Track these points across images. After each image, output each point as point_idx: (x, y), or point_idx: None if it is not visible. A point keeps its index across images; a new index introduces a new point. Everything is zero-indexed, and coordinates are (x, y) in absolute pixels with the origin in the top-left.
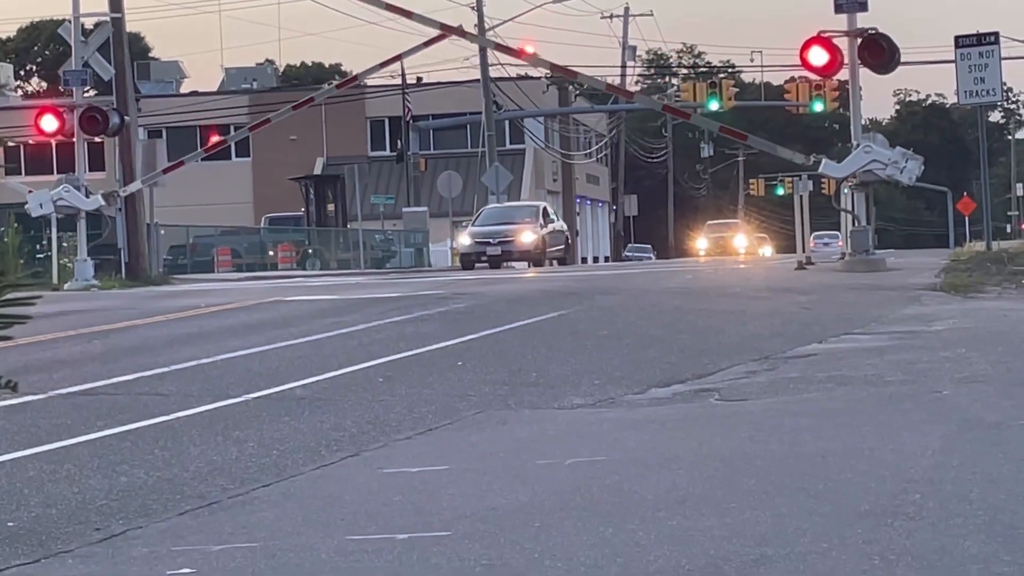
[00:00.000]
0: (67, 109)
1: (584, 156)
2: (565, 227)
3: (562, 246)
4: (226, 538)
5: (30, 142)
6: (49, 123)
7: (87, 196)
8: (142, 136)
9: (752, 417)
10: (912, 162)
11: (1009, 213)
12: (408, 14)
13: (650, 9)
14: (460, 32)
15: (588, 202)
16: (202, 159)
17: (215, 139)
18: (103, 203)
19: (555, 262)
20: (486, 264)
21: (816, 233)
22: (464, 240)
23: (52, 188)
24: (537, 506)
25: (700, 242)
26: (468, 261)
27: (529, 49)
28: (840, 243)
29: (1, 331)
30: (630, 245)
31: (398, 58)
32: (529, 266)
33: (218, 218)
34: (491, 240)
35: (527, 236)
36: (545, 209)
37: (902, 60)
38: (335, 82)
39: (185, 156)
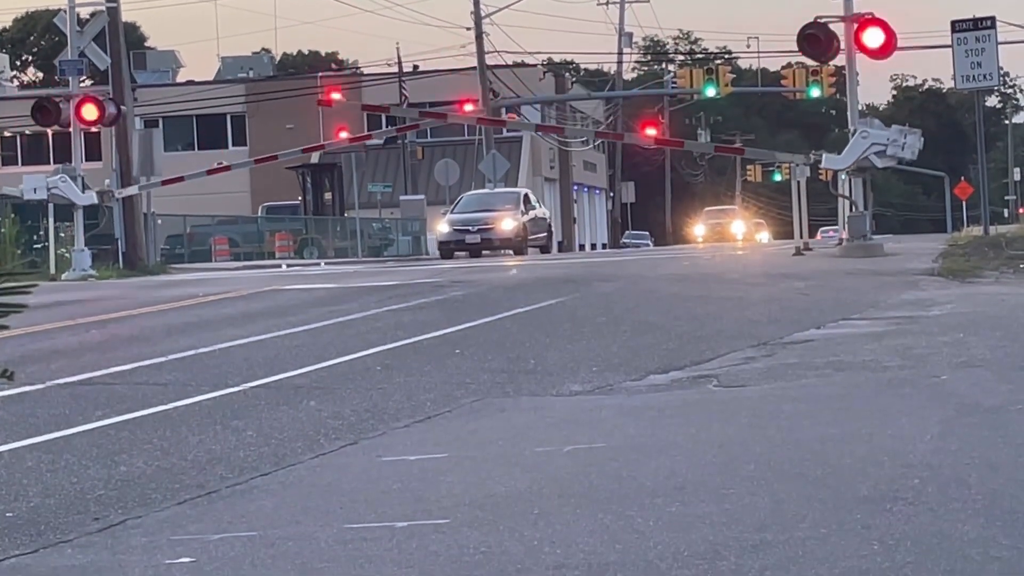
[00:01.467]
0: (64, 99)
1: (581, 143)
2: (548, 214)
3: (544, 234)
4: (225, 527)
5: (26, 132)
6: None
7: (83, 189)
8: (138, 125)
9: (750, 403)
10: (911, 136)
11: (1006, 198)
12: (386, 109)
13: None
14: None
15: (585, 189)
16: (199, 148)
17: (219, 164)
18: (96, 201)
19: (537, 250)
20: (466, 253)
21: (823, 228)
22: (442, 228)
23: (49, 176)
24: (536, 493)
25: (698, 228)
26: (447, 249)
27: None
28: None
29: None
30: (628, 232)
31: (414, 127)
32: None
33: (215, 207)
34: (470, 228)
35: (507, 223)
36: (527, 196)
37: (899, 45)
38: (346, 136)
39: (187, 174)
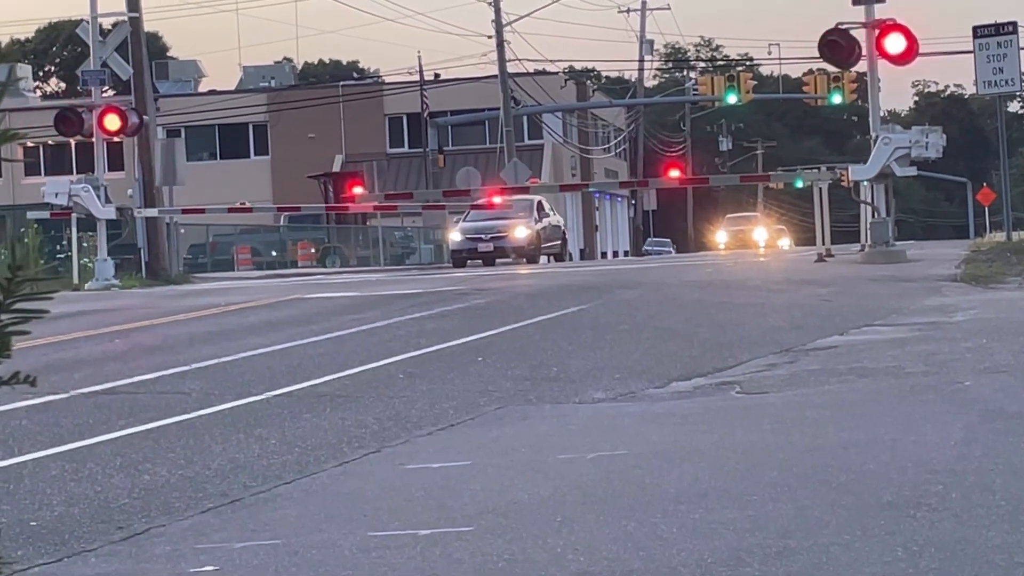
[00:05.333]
0: (87, 109)
1: (602, 151)
2: (562, 221)
3: (558, 241)
4: (249, 535)
5: (49, 142)
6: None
7: (104, 202)
8: (161, 135)
9: (773, 409)
10: (932, 135)
11: None
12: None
13: (667, 3)
14: None
15: (607, 196)
16: (221, 158)
17: (241, 204)
18: (114, 216)
19: (551, 258)
20: (479, 261)
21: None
22: (455, 236)
23: (73, 182)
24: (559, 500)
25: (719, 235)
26: (459, 258)
27: None
28: None
29: (19, 326)
30: (649, 239)
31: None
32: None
33: (237, 216)
34: (483, 236)
35: (520, 231)
36: (540, 203)
37: (921, 51)
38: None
39: (208, 206)
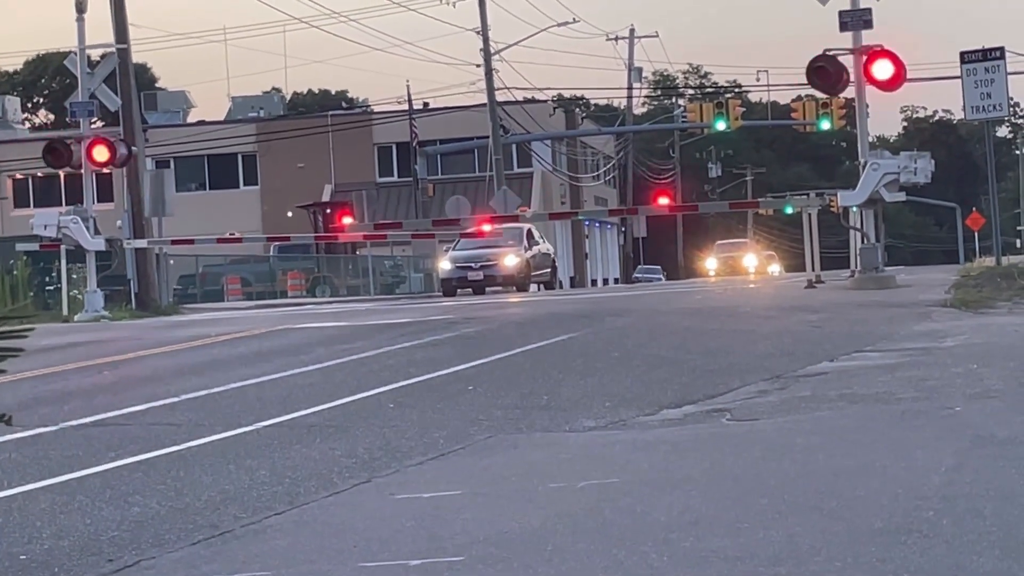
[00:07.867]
0: (75, 141)
1: (592, 178)
2: (552, 249)
3: (548, 269)
4: (239, 567)
5: (38, 174)
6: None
7: (94, 233)
8: (150, 166)
9: (764, 436)
10: (921, 160)
11: (1018, 228)
12: None
13: (655, 30)
14: None
15: (597, 224)
16: (211, 188)
17: (231, 235)
18: (104, 247)
19: (541, 286)
20: (469, 290)
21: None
22: (445, 265)
23: (62, 214)
24: (550, 529)
25: (710, 262)
26: (450, 287)
27: None
28: None
29: None
30: (640, 267)
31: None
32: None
33: (227, 247)
34: (473, 264)
35: (510, 260)
36: (530, 231)
37: (908, 77)
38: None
39: (197, 237)
